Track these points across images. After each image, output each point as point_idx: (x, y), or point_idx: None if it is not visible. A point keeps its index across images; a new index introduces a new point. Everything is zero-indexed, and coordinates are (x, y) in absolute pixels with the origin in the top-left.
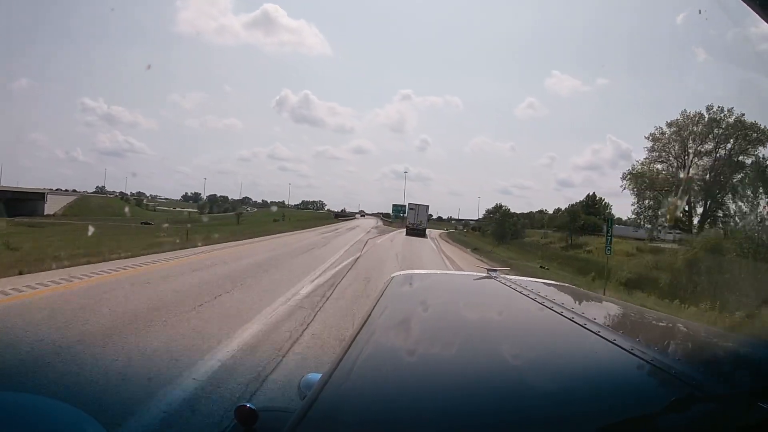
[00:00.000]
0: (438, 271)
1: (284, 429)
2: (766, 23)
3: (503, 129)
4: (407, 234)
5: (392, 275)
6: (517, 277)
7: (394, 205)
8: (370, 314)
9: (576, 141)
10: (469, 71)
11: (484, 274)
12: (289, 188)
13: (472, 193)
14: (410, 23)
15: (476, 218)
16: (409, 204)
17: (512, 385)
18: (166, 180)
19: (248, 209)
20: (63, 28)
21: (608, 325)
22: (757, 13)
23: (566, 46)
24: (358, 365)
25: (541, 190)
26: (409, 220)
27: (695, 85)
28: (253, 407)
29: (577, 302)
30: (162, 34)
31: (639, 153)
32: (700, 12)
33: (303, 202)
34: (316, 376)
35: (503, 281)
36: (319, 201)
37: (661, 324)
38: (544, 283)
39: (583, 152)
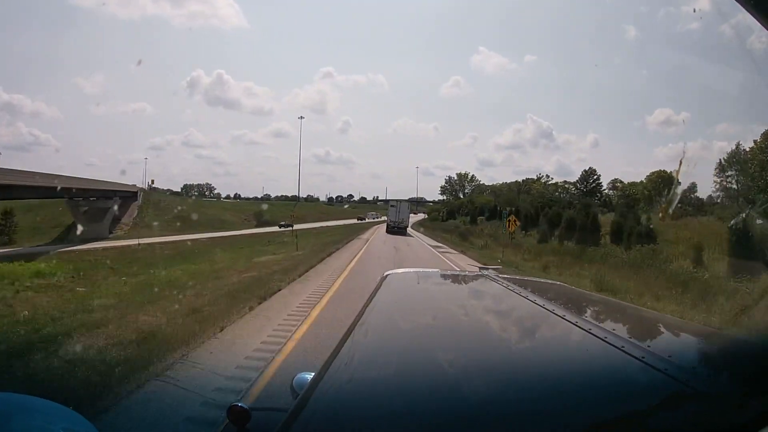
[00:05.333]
0: (431, 270)
1: (276, 428)
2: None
3: (428, 109)
4: (387, 232)
5: (385, 273)
6: (509, 276)
7: None
8: (362, 313)
9: (498, 120)
10: (395, 47)
11: (477, 272)
12: (161, 169)
13: (394, 176)
14: None
15: (408, 198)
16: (390, 201)
17: (504, 382)
18: (79, 174)
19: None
20: None
21: (600, 323)
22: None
23: (494, 20)
24: (351, 364)
25: (463, 171)
26: (390, 218)
27: (623, 63)
28: (245, 406)
29: (569, 300)
30: (59, 6)
31: (560, 131)
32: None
33: (185, 186)
34: (308, 376)
35: (496, 279)
36: (206, 183)
37: (652, 322)
38: (536, 281)
39: (505, 132)
